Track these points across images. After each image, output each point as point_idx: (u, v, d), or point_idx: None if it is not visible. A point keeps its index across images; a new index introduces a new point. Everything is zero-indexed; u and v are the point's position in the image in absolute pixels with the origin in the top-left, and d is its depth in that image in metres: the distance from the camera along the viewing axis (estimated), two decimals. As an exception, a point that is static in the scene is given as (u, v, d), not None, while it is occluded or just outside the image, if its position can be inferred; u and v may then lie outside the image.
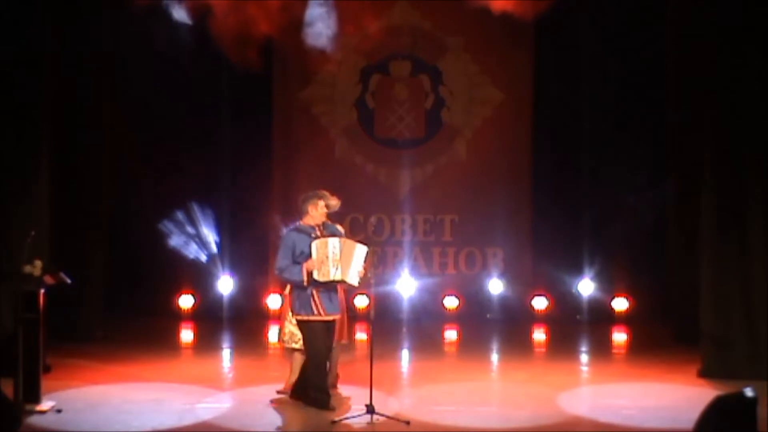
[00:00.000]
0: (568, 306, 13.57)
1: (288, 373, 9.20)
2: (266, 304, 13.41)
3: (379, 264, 13.45)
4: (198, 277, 13.36)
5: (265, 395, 9.32)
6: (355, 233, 13.67)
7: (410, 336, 12.79)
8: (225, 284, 13.57)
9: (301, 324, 8.74)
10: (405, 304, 13.54)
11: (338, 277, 8.54)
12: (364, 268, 8.61)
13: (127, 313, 12.99)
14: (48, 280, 8.90)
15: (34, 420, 8.38)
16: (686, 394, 9.38)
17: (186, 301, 13.58)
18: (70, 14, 11.50)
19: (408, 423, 8.30)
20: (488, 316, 13.62)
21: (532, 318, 13.41)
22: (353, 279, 8.57)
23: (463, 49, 13.79)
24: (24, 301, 8.69)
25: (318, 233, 8.68)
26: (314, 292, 8.59)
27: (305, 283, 8.54)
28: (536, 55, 13.63)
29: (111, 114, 12.62)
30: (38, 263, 8.81)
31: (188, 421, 8.46)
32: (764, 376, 9.29)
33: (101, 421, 8.40)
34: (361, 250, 8.59)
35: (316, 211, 8.76)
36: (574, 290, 13.56)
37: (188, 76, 13.36)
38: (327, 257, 8.49)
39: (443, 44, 13.78)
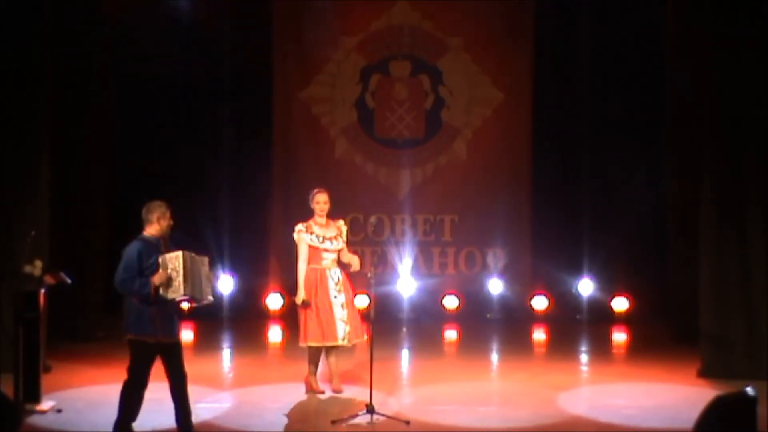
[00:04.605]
0: (567, 306, 13.56)
1: (329, 372, 9.38)
2: (266, 304, 13.42)
3: (379, 264, 13.47)
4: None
5: (266, 395, 9.34)
6: (355, 233, 13.71)
7: (410, 336, 12.78)
8: (225, 284, 13.55)
9: (132, 343, 7.78)
10: (405, 304, 13.53)
11: (188, 294, 7.77)
12: (209, 278, 8.00)
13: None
14: (48, 280, 8.91)
15: (34, 420, 8.39)
16: (686, 394, 9.37)
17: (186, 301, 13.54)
18: (71, 14, 11.50)
19: (408, 423, 8.30)
20: (488, 316, 13.61)
21: (532, 318, 13.39)
22: (207, 294, 7.95)
23: (463, 49, 13.78)
24: (24, 301, 8.70)
25: (162, 246, 7.85)
26: (155, 311, 7.71)
27: (151, 299, 7.72)
28: (536, 55, 13.62)
29: (111, 114, 12.63)
30: (38, 263, 8.81)
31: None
32: (764, 376, 9.28)
33: (101, 421, 8.37)
34: (204, 262, 7.92)
35: (165, 222, 7.99)
36: (573, 290, 13.56)
37: (189, 77, 13.38)
38: (177, 273, 7.70)
39: (443, 44, 13.77)
